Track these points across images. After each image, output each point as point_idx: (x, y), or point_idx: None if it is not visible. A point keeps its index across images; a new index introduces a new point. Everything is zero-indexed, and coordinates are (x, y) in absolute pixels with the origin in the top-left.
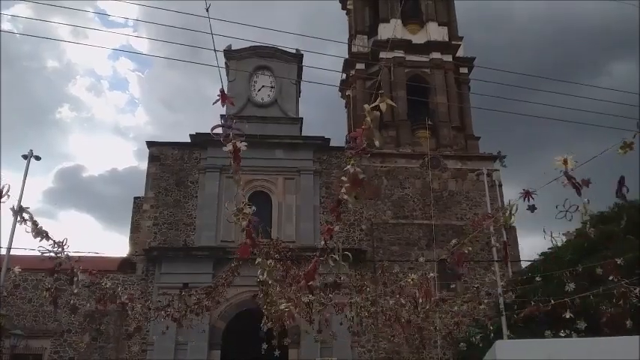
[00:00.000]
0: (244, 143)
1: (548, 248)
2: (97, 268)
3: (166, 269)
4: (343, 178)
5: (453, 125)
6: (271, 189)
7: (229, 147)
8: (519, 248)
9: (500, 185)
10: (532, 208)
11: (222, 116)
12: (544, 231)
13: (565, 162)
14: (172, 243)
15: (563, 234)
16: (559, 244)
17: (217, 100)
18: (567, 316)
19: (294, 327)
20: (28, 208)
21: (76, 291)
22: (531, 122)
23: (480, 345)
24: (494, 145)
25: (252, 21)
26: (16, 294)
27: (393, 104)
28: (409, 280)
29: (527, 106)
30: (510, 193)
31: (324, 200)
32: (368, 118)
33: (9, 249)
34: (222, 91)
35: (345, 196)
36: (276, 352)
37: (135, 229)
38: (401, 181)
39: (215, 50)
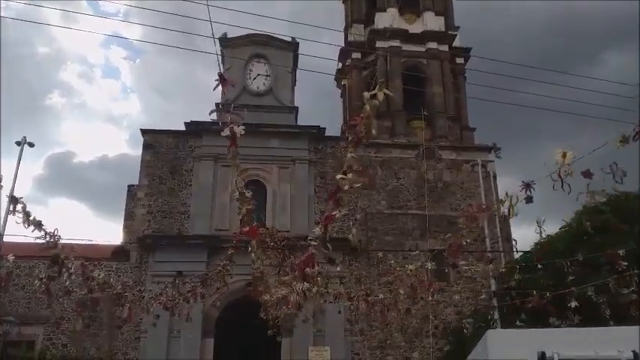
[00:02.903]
0: (242, 127)
1: (542, 238)
2: (90, 255)
3: (160, 257)
4: (344, 169)
5: (449, 116)
6: (266, 178)
7: (227, 132)
8: (512, 239)
9: (495, 176)
10: (529, 199)
11: (217, 104)
12: (537, 222)
13: (564, 155)
14: (166, 231)
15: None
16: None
17: (218, 85)
18: (572, 305)
19: (287, 316)
20: (21, 198)
21: (67, 283)
22: (527, 113)
23: (469, 334)
24: (490, 136)
25: (246, 9)
26: (9, 281)
27: (391, 94)
28: (408, 270)
29: (522, 97)
30: (505, 184)
31: (318, 190)
32: (367, 107)
33: (1, 236)
34: (221, 75)
35: (347, 187)
36: (278, 339)
37: (129, 217)
38: (395, 172)
39: (214, 37)
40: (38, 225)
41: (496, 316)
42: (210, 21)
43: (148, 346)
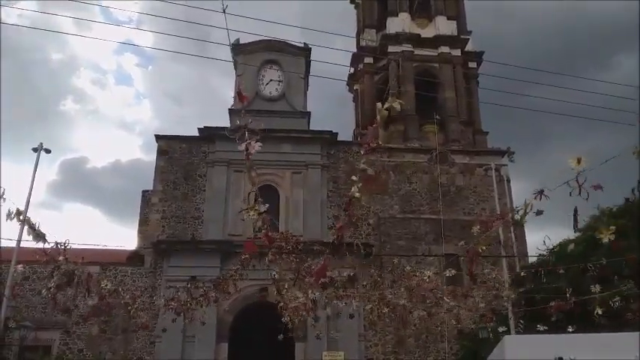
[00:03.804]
0: (259, 143)
1: (555, 246)
2: (105, 261)
3: (174, 262)
4: (354, 177)
5: (461, 120)
6: (279, 183)
7: (243, 147)
8: (527, 243)
9: (509, 180)
10: (539, 212)
11: (229, 110)
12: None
13: (578, 161)
14: (180, 236)
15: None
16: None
17: (242, 104)
18: (598, 313)
19: (301, 321)
20: (26, 210)
21: (69, 293)
22: (540, 116)
23: (484, 339)
24: (503, 139)
25: (257, 16)
26: (25, 286)
27: (402, 103)
28: (426, 277)
29: (535, 101)
30: (518, 188)
31: (331, 194)
32: (378, 117)
33: (19, 241)
34: (239, 91)
35: (357, 194)
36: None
37: (143, 223)
38: (408, 176)
39: (230, 44)
40: (42, 237)
41: (511, 321)
42: (227, 29)
43: (163, 351)
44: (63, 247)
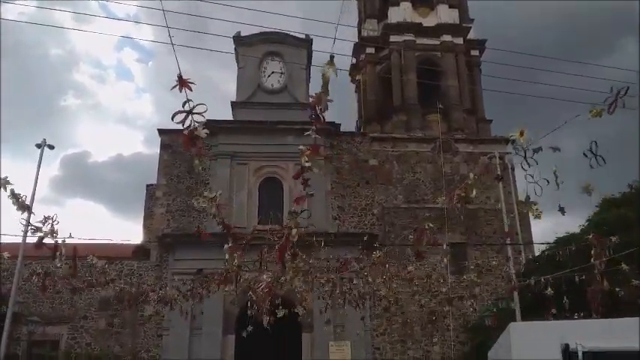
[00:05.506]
0: (205, 130)
1: (566, 232)
2: (111, 255)
3: (180, 255)
4: (301, 147)
5: (465, 108)
6: (282, 175)
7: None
8: (532, 232)
9: (513, 168)
10: (498, 178)
11: (232, 103)
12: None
13: (521, 134)
14: (185, 229)
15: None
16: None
17: (175, 86)
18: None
19: (308, 311)
20: (6, 177)
21: (59, 265)
22: (544, 103)
23: (490, 328)
24: (507, 127)
25: (257, 7)
26: (33, 281)
27: (334, 68)
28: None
29: (539, 88)
30: (523, 176)
31: (335, 185)
32: (322, 81)
33: (24, 237)
34: (179, 75)
35: (307, 163)
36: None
37: (148, 217)
38: (412, 166)
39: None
40: (26, 208)
41: (517, 309)
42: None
43: (170, 343)
44: (50, 221)
